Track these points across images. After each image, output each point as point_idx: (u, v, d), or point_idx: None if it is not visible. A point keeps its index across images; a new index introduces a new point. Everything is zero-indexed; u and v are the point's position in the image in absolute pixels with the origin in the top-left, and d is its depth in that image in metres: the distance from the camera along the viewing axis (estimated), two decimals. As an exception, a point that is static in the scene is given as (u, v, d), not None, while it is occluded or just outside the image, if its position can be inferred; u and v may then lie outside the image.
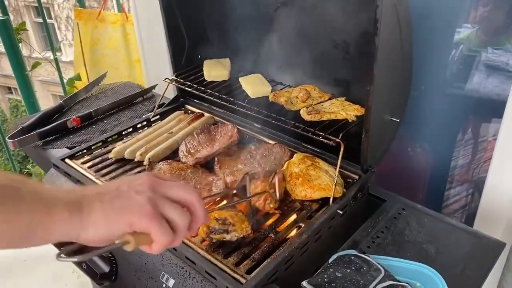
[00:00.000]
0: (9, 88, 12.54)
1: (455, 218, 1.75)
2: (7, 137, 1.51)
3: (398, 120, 1.21)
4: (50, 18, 10.46)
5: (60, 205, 0.62)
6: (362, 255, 1.00)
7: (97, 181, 1.27)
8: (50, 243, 0.67)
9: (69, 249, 0.68)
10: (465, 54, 1.58)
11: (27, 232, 0.61)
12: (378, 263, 0.97)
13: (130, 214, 0.65)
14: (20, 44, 2.32)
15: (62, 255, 0.67)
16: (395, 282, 0.93)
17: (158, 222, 0.65)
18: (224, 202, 1.20)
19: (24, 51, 2.64)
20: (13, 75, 2.30)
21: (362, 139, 1.15)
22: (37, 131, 1.53)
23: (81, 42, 2.32)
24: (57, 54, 2.52)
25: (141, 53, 2.15)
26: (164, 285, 1.03)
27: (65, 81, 2.45)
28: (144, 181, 0.69)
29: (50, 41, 2.47)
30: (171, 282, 1.02)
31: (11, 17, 2.26)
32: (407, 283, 0.93)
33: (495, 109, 1.56)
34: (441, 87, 1.64)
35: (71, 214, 0.62)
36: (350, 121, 1.24)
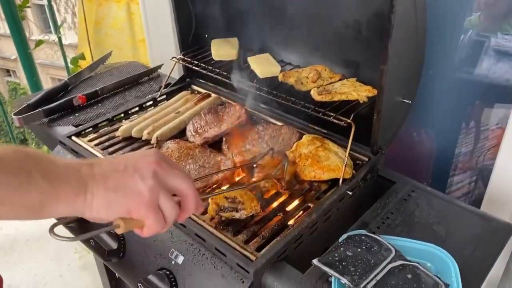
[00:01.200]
0: (8, 71, 12.45)
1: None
2: (12, 114, 1.49)
3: (410, 102, 1.20)
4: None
5: (67, 186, 0.66)
6: (373, 235, 1.00)
7: (104, 158, 1.26)
8: (59, 217, 0.71)
9: (63, 222, 0.74)
10: (474, 39, 1.56)
11: (37, 208, 0.64)
12: (389, 243, 0.97)
13: (130, 202, 0.69)
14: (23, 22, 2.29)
15: (54, 233, 0.71)
16: (406, 262, 0.93)
17: (154, 212, 0.70)
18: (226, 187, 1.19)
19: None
20: (12, 58, 2.27)
21: (374, 120, 1.14)
22: (43, 108, 1.51)
23: (86, 21, 2.28)
24: (54, 37, 2.49)
25: (146, 33, 2.12)
26: (173, 262, 1.03)
27: (68, 60, 2.43)
28: (150, 164, 0.71)
29: (54, 21, 2.44)
30: (180, 258, 1.02)
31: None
32: (417, 263, 0.93)
33: (504, 95, 1.56)
34: (450, 72, 1.63)
35: (76, 196, 0.66)
36: (361, 102, 1.23)
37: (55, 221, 0.76)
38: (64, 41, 2.65)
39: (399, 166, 1.75)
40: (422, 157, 1.79)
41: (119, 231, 0.71)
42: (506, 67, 1.52)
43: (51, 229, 0.71)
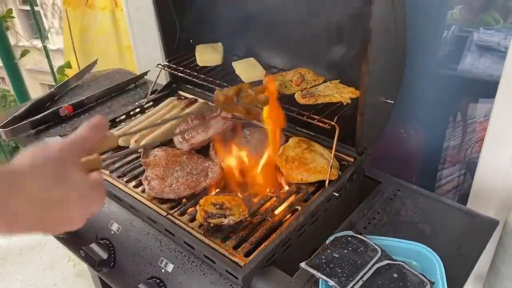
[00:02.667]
0: (-3, 78, 12.34)
1: (448, 200, 1.77)
2: (-1, 127, 1.49)
3: (393, 102, 1.22)
4: (36, 5, 10.26)
5: None
6: (359, 236, 1.01)
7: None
8: None
9: None
10: (457, 34, 1.58)
11: None
12: (375, 243, 0.99)
13: None
14: (7, 32, 2.28)
15: None
16: (392, 262, 0.95)
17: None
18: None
19: (11, 40, 2.59)
20: (1, 64, 2.26)
21: (357, 121, 1.15)
22: (30, 120, 1.51)
23: (70, 29, 2.28)
24: (46, 41, 2.48)
25: (131, 40, 2.12)
26: (163, 270, 1.03)
27: (54, 69, 2.42)
28: None
29: (39, 29, 2.43)
30: (170, 267, 1.03)
31: (-3, 5, 2.21)
32: (403, 262, 0.95)
33: (487, 90, 1.58)
34: (434, 68, 1.64)
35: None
36: (344, 103, 1.24)
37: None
38: (52, 47, 2.65)
39: (388, 163, 1.78)
40: (410, 152, 1.81)
41: None
42: (489, 62, 1.54)
43: None
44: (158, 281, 1.03)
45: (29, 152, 0.65)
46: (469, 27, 1.56)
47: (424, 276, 0.91)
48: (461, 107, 1.69)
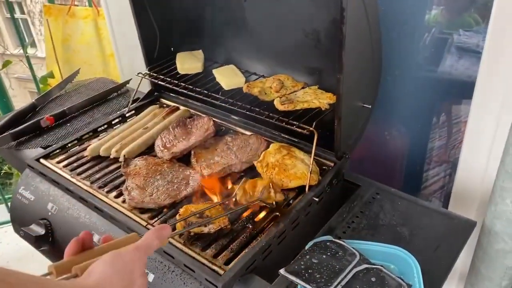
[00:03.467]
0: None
1: (434, 200, 1.79)
2: (-21, 139, 1.48)
3: (370, 106, 1.23)
4: (23, 13, 10.19)
5: None
6: (337, 241, 1.02)
7: (73, 179, 1.26)
8: None
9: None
10: (437, 36, 1.60)
11: None
12: (353, 248, 0.99)
13: None
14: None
15: None
16: (370, 266, 0.95)
17: None
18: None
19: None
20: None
21: (335, 127, 1.16)
22: (10, 131, 1.50)
23: (52, 38, 2.27)
24: (30, 51, 2.47)
25: (114, 48, 2.12)
26: (144, 281, 1.03)
27: (38, 79, 2.41)
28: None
29: (20, 39, 2.43)
30: (151, 276, 1.03)
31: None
32: (381, 265, 0.96)
33: (466, 91, 1.59)
34: (415, 71, 1.66)
35: None
36: (323, 109, 1.25)
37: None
38: (40, 54, 2.63)
39: (373, 165, 1.79)
40: (395, 154, 1.82)
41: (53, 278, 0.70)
42: (468, 64, 1.56)
43: None
44: (139, 291, 1.02)
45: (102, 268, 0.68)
46: (449, 29, 1.58)
47: (402, 279, 0.92)
48: (444, 108, 1.70)
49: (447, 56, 1.61)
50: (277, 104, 1.29)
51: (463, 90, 1.60)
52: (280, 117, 1.26)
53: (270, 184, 1.13)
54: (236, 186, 1.23)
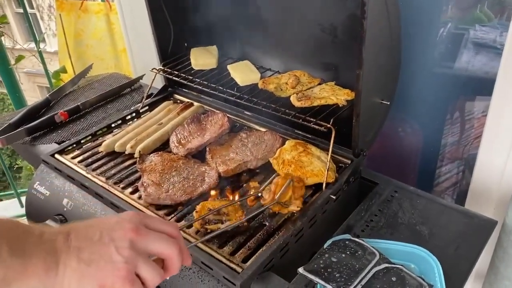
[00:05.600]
0: (-6, 82, 12.33)
1: (447, 197, 1.77)
2: (-6, 135, 1.49)
3: (389, 103, 1.21)
4: (32, 8, 10.23)
5: (37, 261, 0.63)
6: (357, 239, 1.00)
7: (88, 175, 1.26)
8: None
9: None
10: (452, 32, 1.57)
11: (2, 283, 0.61)
12: (373, 247, 0.98)
13: (104, 277, 0.65)
14: (2, 38, 2.27)
15: None
16: (390, 265, 0.94)
17: (131, 284, 0.66)
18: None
19: (7, 43, 2.59)
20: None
21: (353, 124, 1.14)
22: (25, 127, 1.51)
23: (64, 33, 2.27)
24: (41, 46, 2.47)
25: (126, 43, 2.11)
26: (161, 278, 1.03)
27: (50, 73, 2.41)
28: (127, 232, 0.68)
29: (33, 34, 2.42)
30: (168, 274, 1.02)
31: (-9, 10, 2.20)
32: (401, 265, 0.94)
33: (483, 87, 1.57)
34: (430, 67, 1.64)
35: (47, 271, 0.63)
36: (340, 105, 1.24)
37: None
38: (49, 49, 2.64)
39: (386, 161, 1.77)
40: (408, 151, 1.81)
41: None
42: (485, 60, 1.53)
43: None
44: (156, 288, 1.02)
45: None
46: (464, 24, 1.56)
47: (423, 279, 0.91)
48: (458, 105, 1.68)
49: (463, 52, 1.59)
50: (293, 100, 1.27)
51: (480, 86, 1.58)
52: (297, 114, 1.24)
53: (291, 187, 1.09)
54: (253, 182, 1.22)
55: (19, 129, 1.50)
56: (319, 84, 1.35)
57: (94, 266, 0.65)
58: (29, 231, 0.65)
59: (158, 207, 1.14)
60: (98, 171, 1.29)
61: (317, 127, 1.19)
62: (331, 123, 1.17)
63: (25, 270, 0.62)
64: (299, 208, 1.08)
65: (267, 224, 1.08)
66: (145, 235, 0.69)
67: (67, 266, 0.64)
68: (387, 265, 0.94)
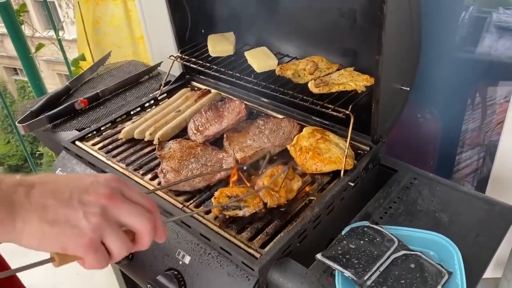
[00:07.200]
0: (15, 70, 12.54)
1: (466, 184, 1.75)
2: (17, 122, 1.52)
3: (408, 89, 1.19)
4: (50, -4, 10.33)
5: None
6: (375, 226, 1.00)
7: (108, 162, 1.28)
8: None
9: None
10: (475, 16, 1.54)
11: None
12: (391, 234, 0.98)
13: (66, 241, 0.60)
14: (22, 26, 2.30)
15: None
16: (409, 252, 0.94)
17: (94, 251, 0.61)
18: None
19: (27, 31, 2.62)
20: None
21: (372, 110, 1.13)
22: (46, 114, 1.53)
23: (83, 21, 2.29)
24: (60, 34, 2.50)
25: (144, 30, 2.12)
26: (180, 262, 1.05)
27: (69, 61, 2.44)
28: (100, 197, 0.63)
29: (53, 22, 2.45)
30: (187, 258, 1.04)
31: (11, -2, 2.23)
32: (420, 252, 0.94)
33: (506, 72, 1.53)
34: (451, 51, 1.61)
35: (1, 224, 0.58)
36: (359, 91, 1.22)
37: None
38: (67, 37, 2.66)
39: (405, 148, 1.76)
40: (428, 137, 1.79)
41: (54, 265, 0.63)
42: (508, 44, 1.50)
43: None
44: (176, 272, 1.04)
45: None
46: (487, 7, 1.52)
47: (442, 266, 0.91)
48: (479, 90, 1.65)
49: (485, 36, 1.55)
50: (311, 86, 1.26)
51: (503, 71, 1.55)
52: (315, 100, 1.24)
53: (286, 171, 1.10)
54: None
55: (40, 117, 1.52)
56: (338, 69, 1.33)
57: (58, 228, 0.60)
58: None
59: (177, 193, 1.15)
60: (118, 157, 1.31)
61: (335, 113, 1.18)
62: (349, 109, 1.16)
63: None
64: (300, 183, 1.11)
65: (284, 210, 1.08)
66: (119, 204, 0.64)
67: (26, 223, 0.59)
68: (405, 252, 0.94)
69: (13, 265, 1.34)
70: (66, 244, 0.60)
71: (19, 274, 1.38)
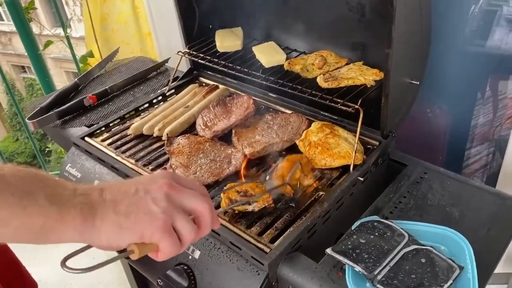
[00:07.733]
0: (23, 67, 12.63)
1: (476, 179, 1.74)
2: (26, 118, 1.53)
3: (418, 83, 1.18)
4: (57, -7, 10.36)
5: (74, 210, 0.63)
6: (385, 221, 1.00)
7: (118, 157, 1.29)
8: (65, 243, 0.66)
9: (76, 253, 0.67)
10: (485, 9, 1.52)
11: (41, 231, 0.62)
12: (402, 228, 0.97)
13: (143, 227, 0.65)
14: (30, 23, 2.32)
15: (66, 266, 0.65)
16: (420, 246, 0.93)
17: (169, 235, 0.66)
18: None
19: (35, 29, 2.64)
20: (26, 54, 2.30)
21: (382, 104, 1.13)
22: (55, 110, 1.54)
23: (91, 18, 2.29)
24: (67, 31, 2.51)
25: (151, 26, 2.12)
26: (190, 257, 1.05)
27: (77, 58, 2.45)
28: (162, 186, 0.69)
29: (61, 19, 2.46)
30: (197, 253, 1.04)
31: (19, -4, 2.24)
32: (431, 246, 0.93)
33: (517, 66, 1.52)
34: (461, 45, 1.59)
35: (84, 221, 0.63)
36: (368, 86, 1.22)
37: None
38: (75, 34, 2.67)
39: (414, 143, 1.75)
40: (437, 132, 1.78)
41: (133, 257, 0.66)
42: (520, 37, 1.48)
43: (63, 262, 0.65)
44: (185, 267, 1.04)
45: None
46: (497, 1, 1.50)
47: (453, 261, 0.90)
48: (490, 84, 1.63)
49: (495, 29, 1.54)
50: (320, 81, 1.26)
51: (513, 65, 1.53)
52: (323, 95, 1.23)
53: (299, 166, 1.11)
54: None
55: (50, 113, 1.53)
56: (347, 64, 1.33)
57: (133, 217, 0.65)
58: (62, 184, 0.65)
59: (186, 188, 1.15)
60: (127, 153, 1.31)
61: (344, 108, 1.17)
62: (359, 104, 1.15)
63: (62, 219, 0.62)
64: (312, 181, 1.11)
65: (294, 205, 1.08)
66: (179, 190, 0.70)
67: (104, 219, 0.64)
68: (416, 246, 0.93)
69: (22, 259, 1.35)
70: (143, 230, 0.65)
71: (29, 270, 1.39)
